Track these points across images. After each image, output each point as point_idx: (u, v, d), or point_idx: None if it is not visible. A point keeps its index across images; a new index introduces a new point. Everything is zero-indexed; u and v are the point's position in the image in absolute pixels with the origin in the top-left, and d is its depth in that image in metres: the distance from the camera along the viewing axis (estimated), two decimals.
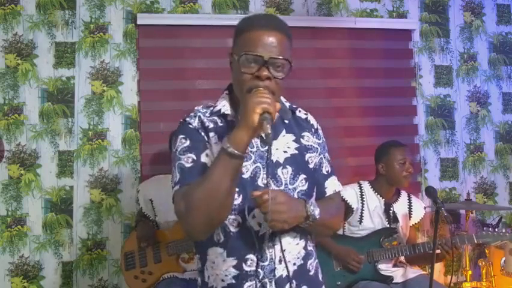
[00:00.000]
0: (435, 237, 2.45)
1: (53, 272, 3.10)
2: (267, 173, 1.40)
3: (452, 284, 3.08)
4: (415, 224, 2.96)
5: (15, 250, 3.07)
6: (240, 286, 1.40)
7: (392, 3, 3.63)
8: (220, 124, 1.46)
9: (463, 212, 3.50)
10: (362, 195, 2.85)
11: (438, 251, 2.60)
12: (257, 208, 1.32)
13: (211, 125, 1.45)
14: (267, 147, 1.42)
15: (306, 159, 1.49)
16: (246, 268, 1.40)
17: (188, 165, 1.39)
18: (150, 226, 2.80)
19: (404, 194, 2.95)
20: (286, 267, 1.40)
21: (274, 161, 1.43)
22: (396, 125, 3.57)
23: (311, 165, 1.50)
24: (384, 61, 3.59)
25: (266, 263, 1.40)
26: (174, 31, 3.28)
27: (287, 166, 1.44)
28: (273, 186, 1.40)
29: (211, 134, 1.44)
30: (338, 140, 3.42)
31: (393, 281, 2.74)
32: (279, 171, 1.43)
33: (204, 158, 1.40)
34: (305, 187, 1.46)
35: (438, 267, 3.47)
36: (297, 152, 1.48)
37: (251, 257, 1.40)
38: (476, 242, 2.74)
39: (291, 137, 1.50)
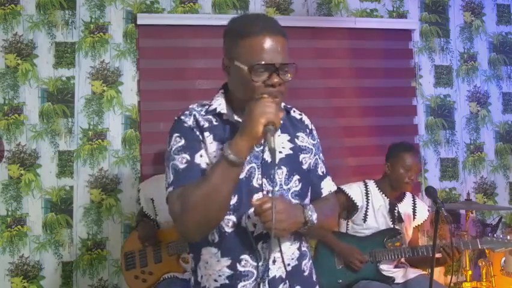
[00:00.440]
0: (435, 237, 2.44)
1: (53, 272, 3.10)
2: (262, 174, 1.41)
3: (452, 284, 3.08)
4: (418, 225, 2.96)
5: (15, 250, 3.07)
6: (233, 286, 1.40)
7: (392, 3, 3.63)
8: (215, 123, 1.45)
9: (463, 212, 3.50)
10: (367, 193, 2.84)
11: (439, 255, 2.60)
12: (257, 216, 1.31)
13: (206, 124, 1.44)
14: (262, 148, 1.41)
15: (300, 159, 1.49)
16: (240, 268, 1.40)
17: (182, 166, 1.39)
18: (151, 226, 2.80)
19: (408, 195, 2.94)
20: (285, 267, 1.40)
21: (269, 161, 1.42)
22: (396, 125, 3.58)
23: (305, 166, 1.50)
24: (384, 61, 3.59)
25: (260, 264, 1.40)
26: (174, 31, 3.27)
27: (282, 166, 1.44)
28: (267, 187, 1.40)
29: (206, 134, 1.43)
30: (338, 140, 3.42)
31: (394, 282, 2.74)
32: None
33: (198, 159, 1.40)
34: (299, 188, 1.46)
35: (439, 267, 3.46)
36: (291, 152, 1.48)
37: (245, 257, 1.40)
38: (480, 247, 2.73)
39: (285, 137, 1.49)
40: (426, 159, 3.60)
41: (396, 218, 2.82)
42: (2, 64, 3.12)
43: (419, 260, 2.80)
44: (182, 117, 1.45)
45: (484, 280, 3.00)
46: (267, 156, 1.42)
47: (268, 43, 1.34)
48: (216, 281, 1.42)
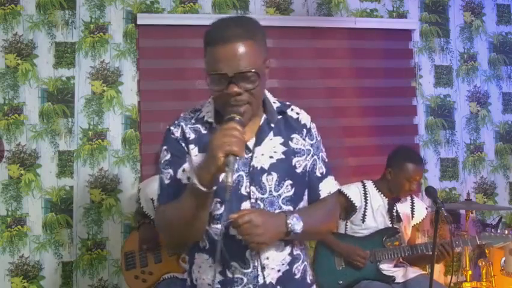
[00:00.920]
0: (435, 237, 2.45)
1: (53, 272, 3.09)
2: (250, 182, 1.39)
3: (452, 284, 3.08)
4: (416, 224, 2.96)
5: (15, 250, 3.06)
6: None
7: (392, 3, 3.63)
8: (203, 132, 1.44)
9: (463, 212, 3.50)
10: (365, 193, 2.84)
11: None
12: (235, 230, 1.32)
13: (192, 136, 1.44)
14: (251, 155, 1.40)
15: (293, 163, 1.45)
16: (229, 275, 1.40)
17: (166, 181, 1.44)
18: (153, 228, 2.79)
19: None
20: (263, 277, 1.40)
21: (258, 167, 1.41)
22: (396, 125, 3.58)
23: (299, 170, 1.46)
24: (384, 61, 3.59)
25: (249, 270, 1.40)
26: (174, 31, 3.27)
27: (272, 172, 1.41)
28: (256, 194, 1.39)
29: (191, 146, 1.43)
30: (338, 140, 3.42)
31: (395, 281, 2.74)
32: (264, 178, 1.41)
33: (180, 174, 1.42)
34: (291, 193, 1.43)
35: (439, 267, 3.47)
36: (283, 156, 1.44)
37: (234, 264, 1.40)
38: (478, 243, 2.74)
39: (278, 140, 1.45)
40: (426, 159, 3.60)
41: (395, 217, 2.82)
42: (2, 64, 3.12)
43: (418, 257, 2.81)
44: (172, 128, 1.47)
45: (484, 280, 3.00)
46: (255, 163, 1.41)
47: (222, 52, 1.30)
48: (209, 285, 1.43)
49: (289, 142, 1.47)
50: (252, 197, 1.39)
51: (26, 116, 3.13)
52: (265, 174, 1.41)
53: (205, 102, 1.50)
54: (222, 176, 1.24)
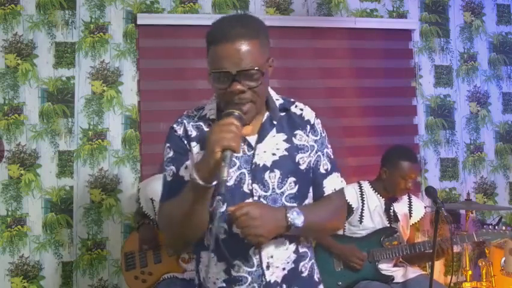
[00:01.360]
0: (435, 237, 2.45)
1: (53, 272, 3.10)
2: (252, 179, 1.39)
3: (452, 284, 3.08)
4: (415, 223, 2.96)
5: (15, 250, 3.07)
6: None
7: (392, 3, 3.63)
8: (206, 129, 1.44)
9: (463, 212, 3.50)
10: (362, 194, 2.85)
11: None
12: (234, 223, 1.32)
13: (194, 134, 1.44)
14: (252, 152, 1.40)
15: (297, 160, 1.45)
16: (234, 273, 1.40)
17: (169, 178, 1.44)
18: (153, 229, 2.79)
19: None
20: (269, 274, 1.39)
21: (261, 165, 1.41)
22: (396, 125, 3.58)
23: (303, 166, 1.45)
24: (384, 61, 3.59)
25: (254, 269, 1.40)
26: (174, 31, 3.28)
27: (275, 170, 1.41)
28: (259, 192, 1.39)
29: (193, 144, 1.43)
30: (338, 140, 3.42)
31: (394, 281, 2.74)
32: (266, 175, 1.40)
33: (182, 171, 1.42)
34: (294, 190, 1.43)
35: (438, 267, 3.47)
36: (286, 153, 1.43)
37: (238, 262, 1.40)
38: (476, 239, 2.74)
39: (281, 136, 1.45)
40: (426, 159, 3.60)
41: (392, 217, 2.82)
42: (2, 64, 3.12)
43: (417, 256, 2.81)
44: (174, 126, 1.47)
45: (484, 280, 3.00)
46: (257, 160, 1.40)
47: (225, 50, 1.31)
48: (214, 283, 1.44)
49: (293, 138, 1.46)
50: (254, 194, 1.39)
51: (26, 116, 3.13)
52: (268, 172, 1.41)
53: (209, 101, 1.51)
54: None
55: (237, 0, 3.41)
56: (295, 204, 1.43)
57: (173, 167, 1.43)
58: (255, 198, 1.39)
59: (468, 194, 3.31)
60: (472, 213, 3.48)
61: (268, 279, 1.40)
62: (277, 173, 1.41)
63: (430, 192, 2.55)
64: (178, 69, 3.28)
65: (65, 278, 3.10)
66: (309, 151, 1.48)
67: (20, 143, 3.11)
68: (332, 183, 1.51)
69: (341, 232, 2.85)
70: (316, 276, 1.54)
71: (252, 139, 1.42)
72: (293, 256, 1.45)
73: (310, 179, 1.49)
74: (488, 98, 3.74)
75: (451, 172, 3.64)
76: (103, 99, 3.21)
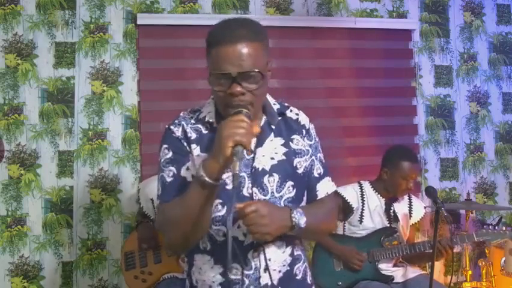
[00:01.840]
0: (435, 237, 2.45)
1: (53, 272, 3.10)
2: (252, 183, 1.39)
3: (452, 284, 3.08)
4: (415, 223, 2.96)
5: (15, 250, 3.07)
6: None
7: (392, 3, 3.63)
8: (204, 132, 1.44)
9: (463, 212, 3.50)
10: (362, 194, 2.84)
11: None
12: (240, 220, 1.31)
13: (194, 136, 1.43)
14: (252, 156, 1.40)
15: (295, 164, 1.45)
16: (231, 276, 1.40)
17: (169, 179, 1.41)
18: (151, 227, 2.80)
19: None
20: (270, 277, 1.39)
21: (260, 169, 1.40)
22: (396, 125, 3.58)
23: (300, 170, 1.46)
24: (384, 61, 3.59)
25: (251, 272, 1.39)
26: (174, 31, 3.28)
27: (274, 174, 1.41)
28: (258, 195, 1.39)
29: (193, 146, 1.42)
30: (338, 140, 3.42)
31: (394, 281, 2.75)
32: (265, 179, 1.40)
33: (183, 172, 1.41)
34: (292, 194, 1.43)
35: (438, 267, 3.47)
36: (284, 157, 1.44)
37: (236, 265, 1.39)
38: (476, 239, 2.74)
39: (279, 141, 1.45)
40: (426, 159, 3.60)
41: (393, 217, 2.82)
42: (2, 64, 3.12)
43: (416, 256, 2.81)
44: (172, 127, 1.46)
45: (484, 280, 3.00)
46: (257, 164, 1.40)
47: (228, 52, 1.30)
48: (210, 286, 1.43)
49: (290, 143, 1.47)
50: (254, 198, 1.39)
51: (26, 116, 3.13)
52: (267, 176, 1.41)
53: (204, 103, 1.50)
54: (230, 167, 1.23)
55: (237, 0, 3.41)
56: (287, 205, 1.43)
57: (173, 168, 1.42)
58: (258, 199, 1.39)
59: (468, 194, 3.31)
60: (472, 213, 3.48)
61: (265, 282, 1.40)
62: (276, 177, 1.41)
63: (430, 192, 2.55)
64: (178, 69, 3.28)
65: (65, 278, 3.10)
66: (305, 155, 1.49)
67: (20, 143, 3.11)
68: (325, 187, 1.53)
69: (341, 232, 2.85)
70: (309, 279, 1.54)
71: (251, 143, 1.41)
72: (289, 259, 1.45)
73: (306, 183, 1.50)
74: (488, 98, 3.74)
75: (451, 172, 3.64)
76: (103, 99, 3.21)
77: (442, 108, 3.66)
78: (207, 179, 1.25)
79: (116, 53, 3.24)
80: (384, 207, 2.83)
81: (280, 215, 1.34)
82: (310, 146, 1.51)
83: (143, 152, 3.21)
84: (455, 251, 2.86)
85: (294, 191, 1.44)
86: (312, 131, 1.53)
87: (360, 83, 3.53)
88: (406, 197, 2.93)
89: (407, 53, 3.64)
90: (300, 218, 1.35)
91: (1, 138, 3.03)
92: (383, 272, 2.75)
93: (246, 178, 1.40)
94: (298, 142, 1.48)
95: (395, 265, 2.82)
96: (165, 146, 1.45)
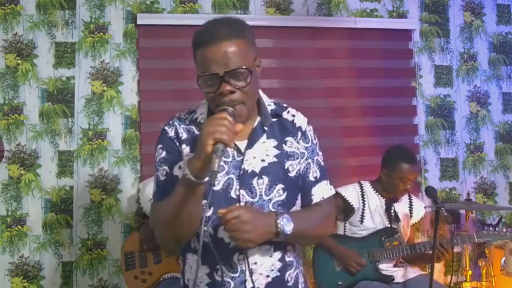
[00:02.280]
0: (435, 237, 2.45)
1: (53, 272, 3.10)
2: (240, 185, 1.38)
3: (452, 284, 3.08)
4: (415, 223, 2.97)
5: (15, 250, 3.07)
6: None
7: (392, 3, 3.63)
8: (196, 133, 1.44)
9: (463, 212, 3.50)
10: (363, 194, 2.84)
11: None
12: (223, 225, 1.30)
13: (185, 136, 1.44)
14: (242, 157, 1.39)
15: (286, 167, 1.43)
16: (217, 278, 1.39)
17: (162, 178, 1.43)
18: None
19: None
20: (252, 281, 1.38)
21: (249, 171, 1.39)
22: (396, 125, 3.58)
23: (292, 174, 1.44)
24: (384, 61, 3.59)
25: (236, 275, 1.39)
26: (174, 31, 3.27)
27: (263, 176, 1.39)
28: (246, 198, 1.38)
29: (184, 146, 1.43)
30: (338, 140, 3.42)
31: (394, 281, 2.75)
32: (254, 181, 1.39)
33: (176, 171, 1.41)
34: (283, 197, 1.41)
35: (438, 267, 3.47)
36: (276, 160, 1.42)
37: (221, 267, 1.39)
38: (476, 241, 2.74)
39: (272, 142, 1.44)
40: (426, 159, 3.60)
41: (393, 217, 2.82)
42: (2, 64, 3.12)
43: (417, 257, 2.81)
44: (166, 128, 1.48)
45: (484, 280, 3.00)
46: (246, 166, 1.39)
47: (213, 52, 1.31)
48: (198, 286, 1.43)
49: (283, 145, 1.45)
50: (241, 200, 1.38)
51: (26, 116, 3.13)
52: (256, 178, 1.39)
53: (199, 104, 1.50)
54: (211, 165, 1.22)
55: (237, 0, 3.41)
56: (274, 210, 1.41)
57: (166, 167, 1.43)
58: (242, 204, 1.37)
59: (468, 194, 3.31)
60: (472, 213, 3.48)
61: (250, 286, 1.39)
62: (266, 179, 1.40)
63: (430, 192, 2.55)
64: (178, 69, 3.28)
65: (65, 278, 3.10)
66: (299, 158, 1.46)
67: (20, 143, 3.11)
68: (321, 191, 1.50)
69: (341, 232, 2.85)
70: (300, 286, 1.51)
71: (242, 144, 1.41)
72: (278, 264, 1.43)
73: (299, 186, 1.47)
74: (488, 98, 3.74)
75: (451, 172, 3.64)
76: (103, 99, 3.21)
77: (442, 108, 3.66)
78: (190, 176, 1.24)
79: (116, 53, 3.24)
80: (384, 207, 2.83)
81: (264, 221, 1.32)
82: (306, 148, 1.47)
83: (143, 152, 3.21)
84: (455, 251, 2.86)
85: (285, 194, 1.42)
86: (310, 133, 1.50)
87: (360, 83, 3.53)
88: (406, 197, 2.93)
89: (407, 53, 3.64)
90: (286, 224, 1.33)
91: (1, 138, 3.03)
92: (383, 272, 2.75)
93: (235, 180, 1.39)
94: (292, 144, 1.46)
95: (395, 265, 2.82)
96: (160, 146, 1.47)
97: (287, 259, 1.45)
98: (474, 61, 3.73)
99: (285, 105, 1.53)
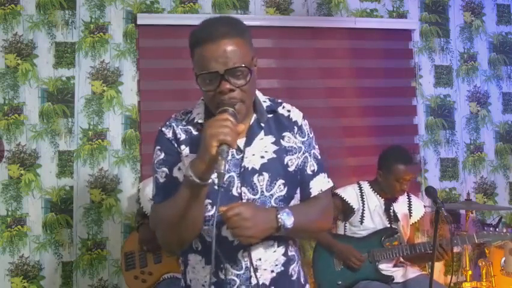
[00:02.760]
0: (435, 237, 2.45)
1: (53, 272, 3.10)
2: (241, 182, 1.39)
3: (452, 284, 3.08)
4: (415, 222, 2.97)
5: (15, 250, 3.07)
6: None
7: (392, 3, 3.63)
8: (194, 133, 1.44)
9: (463, 212, 3.50)
10: (362, 195, 2.85)
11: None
12: (225, 223, 1.30)
13: (183, 137, 1.44)
14: (241, 155, 1.40)
15: (286, 162, 1.44)
16: (222, 276, 1.40)
17: (161, 180, 1.43)
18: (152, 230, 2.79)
19: (403, 194, 2.94)
20: (256, 277, 1.39)
21: (249, 168, 1.40)
22: (396, 125, 3.58)
23: (291, 168, 1.45)
24: (384, 61, 3.59)
25: (241, 272, 1.39)
26: (174, 31, 3.27)
27: (263, 173, 1.40)
28: (248, 195, 1.38)
29: (182, 147, 1.43)
30: (338, 140, 3.42)
31: (394, 281, 2.75)
32: (255, 178, 1.40)
33: (176, 172, 1.41)
34: (284, 192, 1.42)
35: (438, 267, 3.47)
36: (275, 155, 1.43)
37: (227, 265, 1.39)
38: (476, 241, 2.74)
39: (270, 139, 1.44)
40: (426, 159, 3.60)
41: (393, 217, 2.82)
42: (2, 64, 3.12)
43: (417, 257, 2.81)
44: (163, 129, 1.47)
45: (484, 280, 3.00)
46: (246, 163, 1.40)
47: (212, 50, 1.30)
48: (203, 286, 1.44)
49: (281, 141, 1.45)
50: (243, 197, 1.38)
51: (26, 116, 3.13)
52: (257, 175, 1.40)
53: (195, 105, 1.50)
54: (215, 168, 1.22)
55: (237, 0, 3.41)
56: (275, 205, 1.42)
57: (165, 169, 1.43)
58: (244, 201, 1.38)
59: (468, 194, 3.31)
60: (472, 213, 3.48)
61: (256, 282, 1.39)
62: (266, 176, 1.40)
63: (430, 192, 2.55)
64: (178, 69, 3.28)
65: (65, 278, 3.10)
66: (297, 152, 1.47)
67: (20, 143, 3.11)
68: (319, 185, 1.50)
69: (341, 232, 2.86)
70: (302, 279, 1.53)
71: (241, 142, 1.41)
72: (282, 259, 1.44)
73: (298, 181, 1.48)
74: (488, 98, 3.74)
75: (451, 172, 3.64)
76: (103, 99, 3.21)
77: (442, 108, 3.66)
78: (194, 179, 1.24)
79: (116, 53, 3.24)
80: (383, 207, 2.83)
81: (265, 216, 1.33)
82: (302, 142, 1.48)
83: (143, 152, 3.21)
84: (455, 251, 2.86)
85: (286, 189, 1.43)
86: (305, 127, 1.50)
87: (360, 83, 3.53)
88: (405, 197, 2.93)
89: (407, 53, 3.64)
90: (287, 219, 1.34)
91: (1, 138, 3.03)
92: (383, 272, 2.75)
93: (235, 178, 1.39)
94: (290, 139, 1.47)
95: (395, 265, 2.82)
96: (158, 147, 1.46)
97: (290, 253, 1.47)
98: (474, 61, 3.73)
99: (279, 100, 1.53)
